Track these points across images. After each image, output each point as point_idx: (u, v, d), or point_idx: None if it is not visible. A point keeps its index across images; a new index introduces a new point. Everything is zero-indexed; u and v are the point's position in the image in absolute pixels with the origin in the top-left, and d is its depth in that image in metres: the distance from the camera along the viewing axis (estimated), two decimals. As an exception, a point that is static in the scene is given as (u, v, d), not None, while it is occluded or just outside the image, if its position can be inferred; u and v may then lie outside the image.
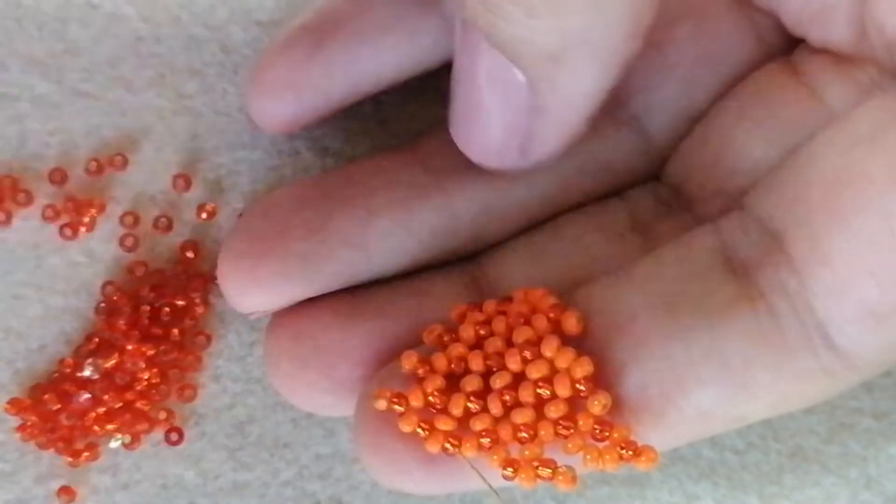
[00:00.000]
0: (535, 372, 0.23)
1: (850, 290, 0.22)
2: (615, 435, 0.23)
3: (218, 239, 0.31)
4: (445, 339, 0.24)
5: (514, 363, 0.23)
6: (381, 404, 0.24)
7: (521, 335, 0.24)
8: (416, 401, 0.24)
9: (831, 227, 0.22)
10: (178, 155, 0.31)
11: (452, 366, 0.24)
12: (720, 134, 0.26)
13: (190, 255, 0.31)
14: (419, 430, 0.23)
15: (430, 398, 0.24)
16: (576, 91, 0.23)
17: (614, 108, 0.27)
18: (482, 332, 0.24)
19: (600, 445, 0.23)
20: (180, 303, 0.30)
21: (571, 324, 0.24)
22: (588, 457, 0.23)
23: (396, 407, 0.24)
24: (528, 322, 0.24)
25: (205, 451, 0.30)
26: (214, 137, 0.31)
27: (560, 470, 0.23)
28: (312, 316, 0.26)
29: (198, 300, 0.30)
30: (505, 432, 0.23)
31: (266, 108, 0.27)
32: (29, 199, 0.31)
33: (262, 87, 0.27)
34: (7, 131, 0.31)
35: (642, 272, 0.25)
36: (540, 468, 0.23)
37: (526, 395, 0.23)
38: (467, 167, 0.26)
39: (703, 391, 0.23)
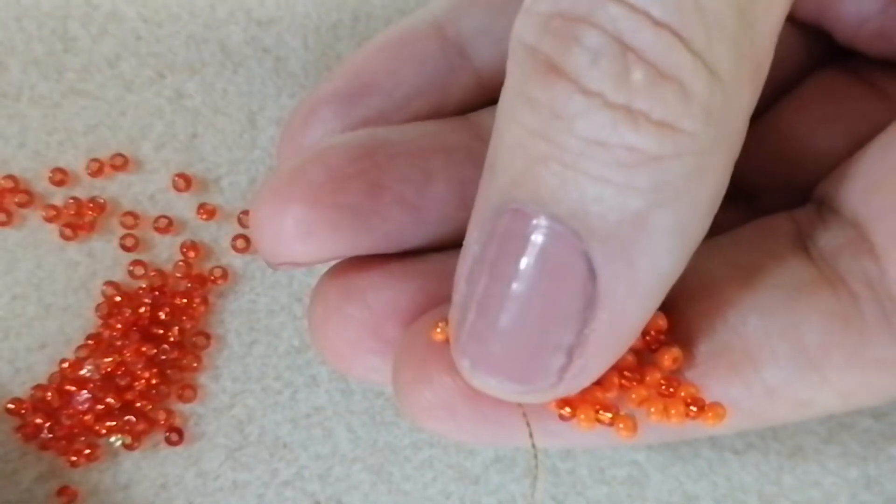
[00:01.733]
0: None
1: None
2: (682, 392, 0.22)
3: (217, 238, 0.31)
4: None
5: None
6: (440, 334, 0.22)
7: None
8: None
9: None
10: (178, 155, 0.31)
11: None
12: (784, 128, 0.26)
13: (190, 255, 0.31)
14: None
15: None
16: (651, 270, 0.20)
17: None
18: None
19: (666, 399, 0.22)
20: (180, 303, 0.30)
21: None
22: (653, 409, 0.22)
23: None
24: None
25: (204, 451, 0.30)
26: (214, 137, 0.31)
27: (621, 416, 0.21)
28: (363, 274, 0.25)
29: (198, 300, 0.30)
30: None
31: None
32: (29, 200, 0.31)
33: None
34: (7, 131, 0.31)
35: (719, 246, 0.24)
36: (601, 412, 0.21)
37: None
38: None
39: (775, 366, 0.22)
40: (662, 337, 0.22)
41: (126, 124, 0.31)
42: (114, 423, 0.29)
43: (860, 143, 0.25)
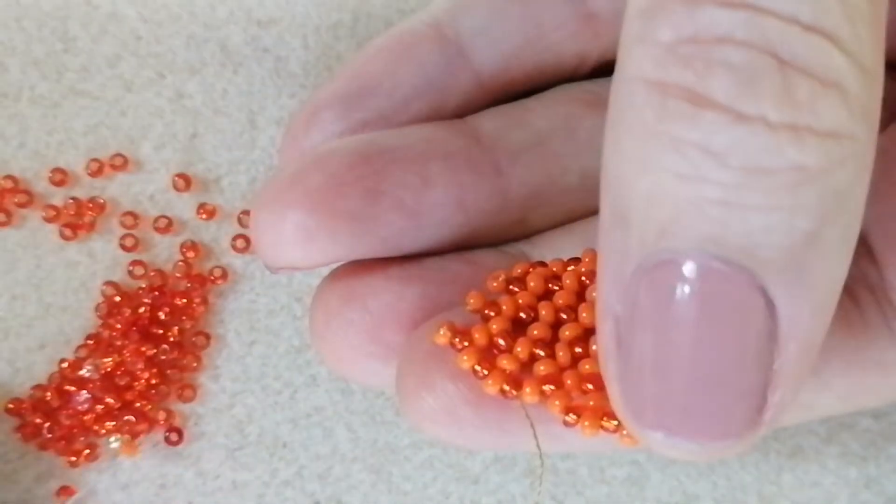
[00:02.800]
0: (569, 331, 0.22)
1: None
2: None
3: (217, 238, 0.31)
4: (512, 287, 0.23)
5: (587, 315, 0.22)
6: (443, 338, 0.22)
7: (593, 291, 0.22)
8: (480, 337, 0.22)
9: None
10: (178, 155, 0.31)
11: (520, 313, 0.22)
12: None
13: (190, 255, 0.31)
14: (478, 369, 0.22)
15: (496, 338, 0.22)
16: (828, 285, 0.18)
17: None
18: (551, 285, 0.23)
19: None
20: (180, 303, 0.30)
21: None
22: None
23: (457, 342, 0.22)
24: None
25: (204, 451, 0.30)
26: (214, 137, 0.31)
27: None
28: (363, 279, 0.25)
29: (198, 300, 0.30)
30: (571, 379, 0.21)
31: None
32: (29, 200, 0.31)
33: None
34: (7, 131, 0.31)
35: None
36: (605, 420, 0.21)
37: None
38: (521, 149, 0.25)
39: None
40: None
41: (126, 124, 0.31)
42: (114, 423, 0.29)
43: None
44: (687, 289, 0.18)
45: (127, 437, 0.29)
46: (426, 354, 0.22)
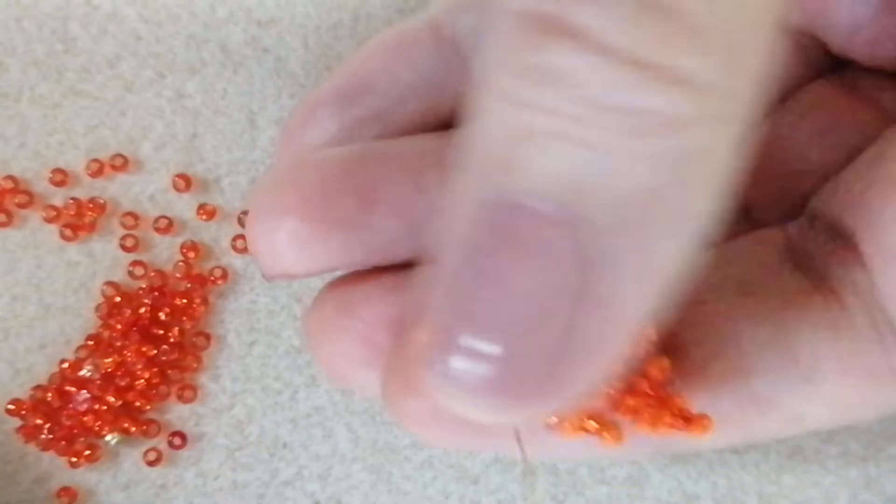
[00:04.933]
0: None
1: None
2: (669, 403, 0.22)
3: (217, 239, 0.31)
4: None
5: None
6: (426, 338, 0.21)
7: None
8: None
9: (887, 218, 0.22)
10: (178, 155, 0.31)
11: None
12: (777, 141, 0.26)
13: (190, 255, 0.31)
14: None
15: None
16: (659, 258, 0.17)
17: None
18: None
19: (652, 410, 0.22)
20: (180, 303, 0.30)
21: None
22: (640, 420, 0.21)
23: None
24: None
25: (204, 452, 0.30)
26: (214, 137, 0.31)
27: (607, 424, 0.21)
28: (358, 288, 0.24)
29: (198, 300, 0.30)
30: None
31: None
32: (29, 199, 0.31)
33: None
34: (7, 131, 0.31)
35: (713, 258, 0.23)
36: (586, 420, 0.21)
37: None
38: None
39: (765, 377, 0.22)
40: (650, 347, 0.21)
41: (126, 125, 0.31)
42: (114, 423, 0.29)
43: (853, 155, 0.24)
44: (512, 230, 0.17)
45: (123, 434, 0.29)
46: (410, 359, 0.22)
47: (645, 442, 0.22)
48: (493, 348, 0.17)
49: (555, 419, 0.21)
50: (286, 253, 0.23)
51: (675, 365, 0.22)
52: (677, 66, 0.16)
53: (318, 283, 0.30)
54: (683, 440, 0.22)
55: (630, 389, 0.21)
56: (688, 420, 0.22)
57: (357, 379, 0.24)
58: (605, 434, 0.21)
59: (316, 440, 0.30)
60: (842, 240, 0.23)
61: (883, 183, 0.23)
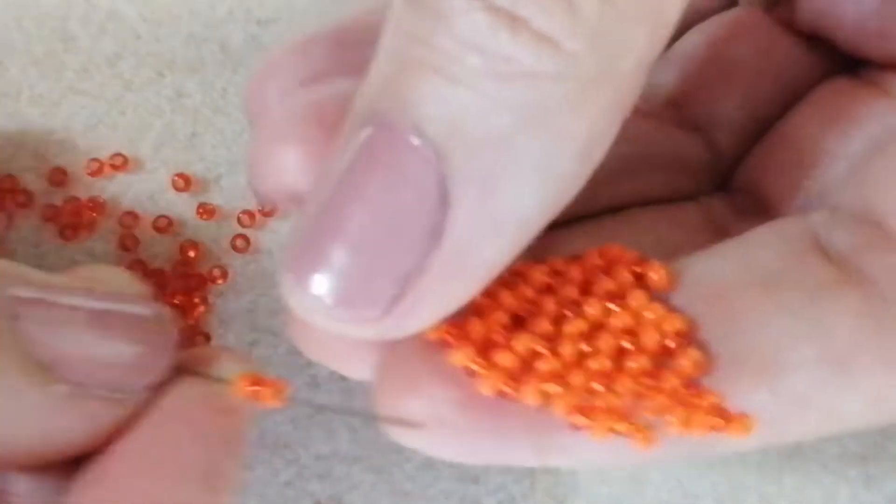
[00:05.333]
0: (619, 321, 0.20)
1: None
2: (704, 400, 0.20)
3: (217, 238, 0.31)
4: (511, 280, 0.21)
5: (594, 309, 0.20)
6: (434, 333, 0.20)
7: (602, 286, 0.21)
8: (476, 332, 0.20)
9: None
10: (178, 154, 0.31)
11: (520, 310, 0.21)
12: (797, 135, 0.26)
13: (190, 254, 0.31)
14: (473, 367, 0.20)
15: (493, 333, 0.20)
16: (509, 204, 0.18)
17: (681, 119, 0.26)
18: (552, 281, 0.21)
19: (685, 409, 0.20)
20: (180, 302, 0.30)
21: (661, 275, 0.21)
22: (673, 420, 0.20)
23: (450, 337, 0.20)
24: (607, 275, 0.21)
25: (205, 452, 0.30)
26: (213, 136, 0.31)
27: (639, 426, 0.19)
28: None
29: (198, 300, 0.30)
30: (576, 378, 0.20)
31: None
32: (29, 199, 0.31)
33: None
34: (7, 131, 0.31)
35: (733, 250, 0.23)
36: (617, 421, 0.20)
37: (605, 343, 0.20)
38: None
39: (804, 371, 0.21)
40: (681, 340, 0.20)
41: (125, 124, 0.31)
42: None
43: (873, 146, 0.24)
44: (378, 153, 0.18)
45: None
46: (410, 353, 0.20)
47: (680, 445, 0.21)
48: (346, 261, 0.18)
49: (582, 420, 0.20)
50: (286, 173, 0.22)
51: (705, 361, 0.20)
52: (548, 26, 0.17)
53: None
54: (720, 441, 0.21)
55: (660, 386, 0.20)
56: (727, 419, 0.20)
57: (343, 361, 0.23)
58: (638, 435, 0.20)
59: (316, 440, 0.30)
60: (871, 227, 0.22)
61: None
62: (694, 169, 0.27)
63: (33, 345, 0.19)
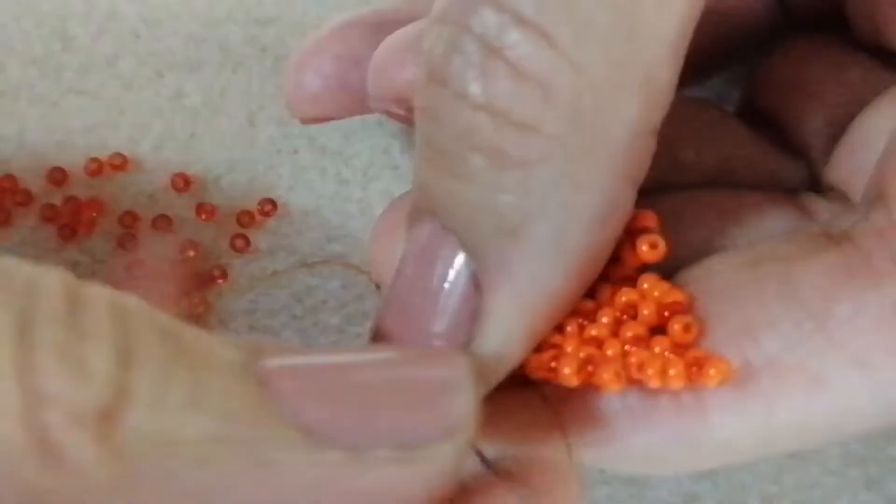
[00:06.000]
0: (625, 297, 0.21)
1: None
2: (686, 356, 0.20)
3: (217, 238, 0.31)
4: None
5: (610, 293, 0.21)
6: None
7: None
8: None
9: None
10: (177, 154, 0.31)
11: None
12: (876, 134, 0.25)
13: (189, 254, 0.30)
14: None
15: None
16: (531, 283, 0.20)
17: (784, 142, 0.27)
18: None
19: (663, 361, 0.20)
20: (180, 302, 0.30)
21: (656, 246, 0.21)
22: (650, 371, 0.20)
23: None
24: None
25: (204, 452, 0.30)
26: (213, 136, 0.31)
27: (607, 367, 0.20)
28: None
29: (197, 300, 0.30)
30: (571, 344, 0.21)
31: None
32: (28, 199, 0.31)
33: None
34: (6, 131, 0.31)
35: (751, 247, 0.23)
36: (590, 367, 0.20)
37: (608, 315, 0.21)
38: None
39: (773, 332, 0.20)
40: (675, 308, 0.21)
41: (125, 124, 0.31)
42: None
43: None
44: (422, 250, 0.20)
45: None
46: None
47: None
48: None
49: (569, 371, 0.20)
50: (326, 95, 0.25)
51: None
52: (526, 115, 0.19)
53: (317, 283, 0.31)
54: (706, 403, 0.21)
55: (639, 345, 0.20)
56: (701, 365, 0.20)
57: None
58: (603, 377, 0.20)
59: (316, 440, 0.30)
60: (861, 202, 0.22)
61: None
62: (791, 184, 0.27)
63: (295, 412, 0.17)
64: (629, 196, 0.20)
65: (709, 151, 0.26)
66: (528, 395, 0.21)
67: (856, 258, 0.20)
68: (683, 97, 0.27)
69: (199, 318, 0.30)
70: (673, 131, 0.25)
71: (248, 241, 0.31)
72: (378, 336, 0.21)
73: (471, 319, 0.20)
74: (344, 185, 0.31)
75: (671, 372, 0.20)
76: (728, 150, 0.26)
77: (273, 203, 0.31)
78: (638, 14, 0.19)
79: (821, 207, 0.25)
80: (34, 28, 0.32)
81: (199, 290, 0.30)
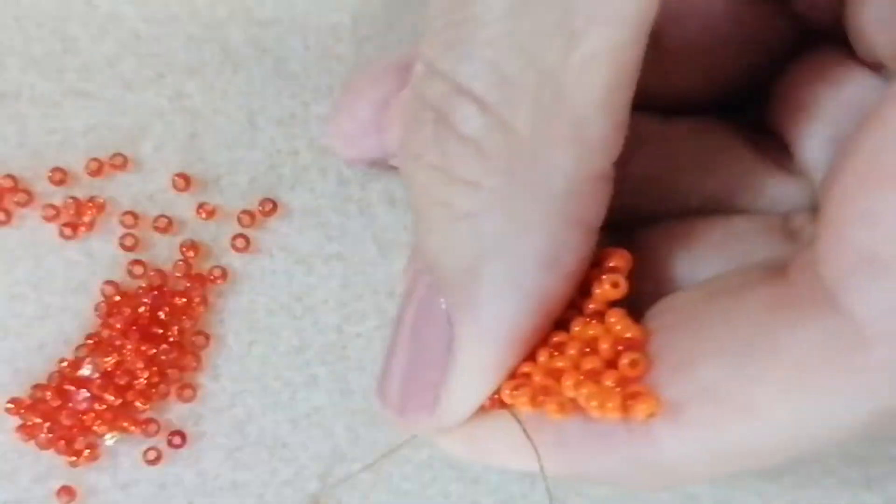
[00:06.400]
0: (591, 331, 0.23)
1: (843, 234, 0.20)
2: (627, 390, 0.22)
3: (217, 238, 0.31)
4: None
5: (578, 327, 0.23)
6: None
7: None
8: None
9: (833, 181, 0.21)
10: (178, 154, 0.31)
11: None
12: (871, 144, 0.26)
13: (189, 254, 0.31)
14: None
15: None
16: (494, 320, 0.22)
17: (789, 164, 0.27)
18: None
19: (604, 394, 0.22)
20: (180, 302, 0.30)
21: (622, 262, 0.24)
22: (594, 403, 0.22)
23: None
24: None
25: (204, 451, 0.30)
26: (214, 137, 0.31)
27: (553, 399, 0.22)
28: None
29: (197, 300, 0.30)
30: (539, 373, 0.23)
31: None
32: (29, 199, 0.31)
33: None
34: (7, 131, 0.31)
35: (711, 280, 0.24)
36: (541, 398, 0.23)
37: (571, 347, 0.23)
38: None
39: (710, 364, 0.21)
40: (629, 344, 0.23)
41: (126, 124, 0.31)
42: (114, 422, 0.29)
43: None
44: (411, 290, 0.23)
45: (122, 434, 0.29)
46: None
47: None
48: (398, 388, 0.24)
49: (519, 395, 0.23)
50: (362, 137, 0.28)
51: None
52: (466, 172, 0.21)
53: (318, 283, 0.31)
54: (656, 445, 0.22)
55: (592, 378, 0.22)
56: (634, 397, 0.22)
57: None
58: (550, 407, 0.23)
59: (316, 440, 0.30)
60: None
61: (851, 157, 0.21)
62: (794, 206, 0.27)
63: None
64: (581, 238, 0.22)
65: (708, 179, 0.27)
66: (503, 416, 0.24)
67: (790, 291, 0.21)
68: (691, 122, 0.28)
69: (199, 318, 0.30)
70: (671, 161, 0.26)
71: (248, 241, 0.31)
72: (378, 384, 0.25)
73: (447, 350, 0.23)
74: (344, 185, 0.31)
75: (609, 405, 0.22)
76: (728, 177, 0.27)
77: (273, 203, 0.31)
78: (563, 78, 0.20)
79: (810, 231, 0.25)
80: (35, 28, 0.32)
81: (199, 290, 0.30)
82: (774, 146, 0.27)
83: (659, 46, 0.27)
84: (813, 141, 0.26)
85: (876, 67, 0.25)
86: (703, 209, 0.27)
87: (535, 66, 0.20)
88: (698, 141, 0.27)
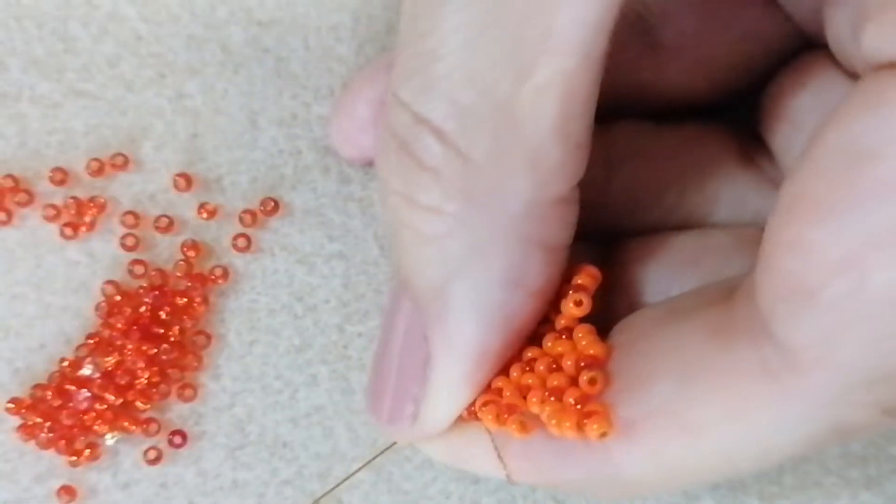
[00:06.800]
0: (559, 346, 0.24)
1: (773, 263, 0.20)
2: (585, 408, 0.23)
3: (218, 238, 0.31)
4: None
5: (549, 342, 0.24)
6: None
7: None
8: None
9: (771, 209, 0.21)
10: (178, 154, 0.31)
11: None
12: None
13: (190, 254, 0.31)
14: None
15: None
16: (462, 337, 0.23)
17: (776, 173, 0.27)
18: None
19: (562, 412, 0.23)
20: (181, 302, 0.30)
21: (588, 279, 0.24)
22: (553, 421, 0.23)
23: None
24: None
25: (204, 451, 0.30)
26: (214, 137, 0.31)
27: (514, 418, 0.24)
28: None
29: (198, 300, 0.30)
30: (509, 388, 0.24)
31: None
32: (29, 199, 0.31)
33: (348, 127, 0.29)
34: (7, 131, 0.31)
35: (672, 299, 0.25)
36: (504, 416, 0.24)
37: (541, 363, 0.24)
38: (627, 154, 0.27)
39: (658, 385, 0.22)
40: (589, 362, 0.23)
41: (126, 124, 0.31)
42: (114, 422, 0.29)
43: None
44: (391, 304, 0.25)
45: (123, 433, 0.29)
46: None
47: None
48: (381, 401, 0.25)
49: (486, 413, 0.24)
50: (361, 135, 0.29)
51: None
52: (428, 198, 0.22)
53: (319, 282, 0.31)
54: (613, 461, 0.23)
55: (555, 395, 0.23)
56: (589, 415, 0.22)
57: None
58: (512, 426, 0.24)
59: (316, 439, 0.30)
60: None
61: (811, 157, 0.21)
62: None
63: None
64: (544, 259, 0.23)
65: (693, 195, 0.28)
66: (478, 426, 0.25)
67: (730, 315, 0.22)
68: (684, 132, 0.28)
69: (199, 317, 0.30)
70: (657, 177, 0.27)
71: (249, 241, 0.31)
72: (367, 396, 0.26)
73: (423, 365, 0.24)
74: (346, 184, 0.31)
75: (566, 424, 0.23)
76: (714, 192, 0.27)
77: (275, 202, 0.31)
78: (516, 108, 0.21)
79: None
80: (36, 29, 0.32)
81: (200, 290, 0.30)
82: (764, 152, 0.27)
83: (654, 41, 0.27)
84: (795, 152, 0.26)
85: (856, 77, 0.25)
86: (686, 223, 0.27)
87: (490, 97, 0.21)
88: (689, 155, 0.28)
